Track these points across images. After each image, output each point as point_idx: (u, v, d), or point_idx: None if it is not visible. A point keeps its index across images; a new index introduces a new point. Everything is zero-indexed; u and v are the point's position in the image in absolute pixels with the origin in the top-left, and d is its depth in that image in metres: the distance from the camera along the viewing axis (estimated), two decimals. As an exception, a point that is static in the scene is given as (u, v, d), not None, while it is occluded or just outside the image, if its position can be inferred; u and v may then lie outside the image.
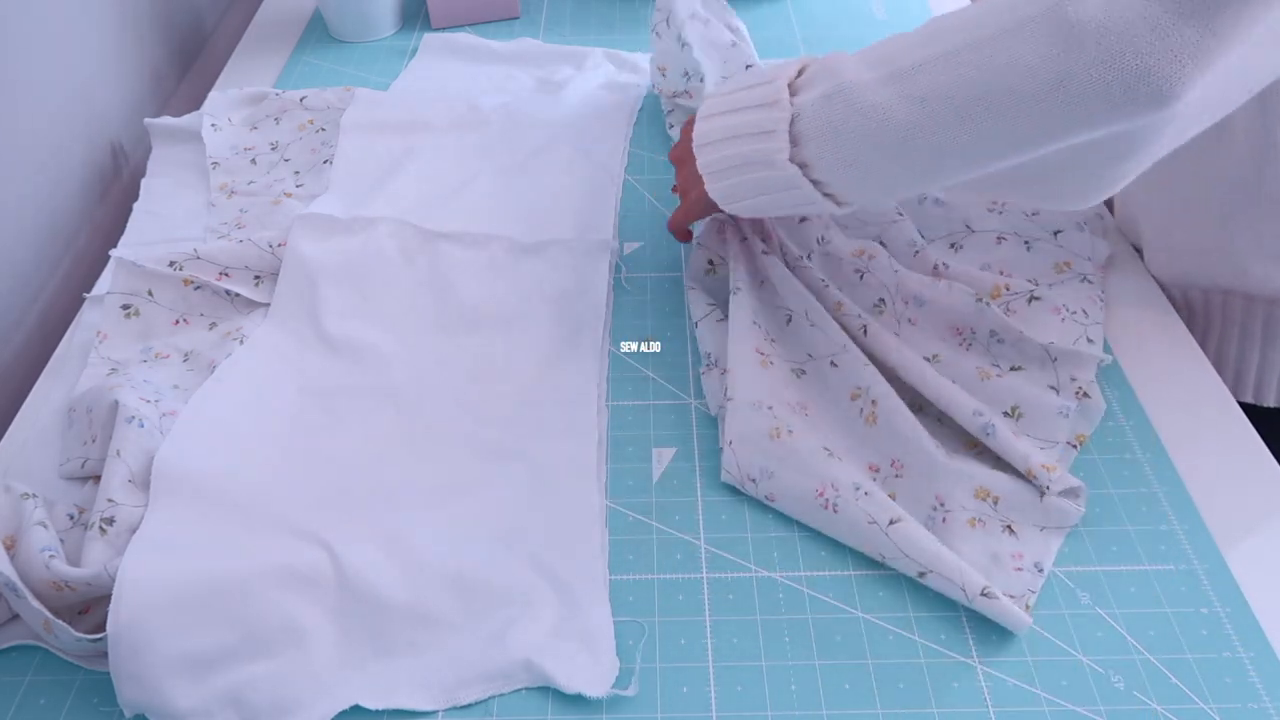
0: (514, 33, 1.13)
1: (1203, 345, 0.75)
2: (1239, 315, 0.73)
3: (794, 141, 0.60)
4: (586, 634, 0.56)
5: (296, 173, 0.90)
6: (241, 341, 0.71)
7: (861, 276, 0.73)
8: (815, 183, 0.61)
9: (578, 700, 0.53)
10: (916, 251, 0.74)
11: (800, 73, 0.62)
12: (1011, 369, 0.67)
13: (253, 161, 0.92)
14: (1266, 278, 0.70)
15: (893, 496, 0.61)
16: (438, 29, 1.14)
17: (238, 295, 0.75)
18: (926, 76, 0.55)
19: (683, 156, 0.71)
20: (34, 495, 0.59)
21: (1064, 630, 0.55)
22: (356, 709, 0.53)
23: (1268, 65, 0.54)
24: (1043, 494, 0.59)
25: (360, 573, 0.56)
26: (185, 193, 0.89)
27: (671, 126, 0.94)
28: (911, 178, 0.59)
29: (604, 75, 1.03)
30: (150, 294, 0.74)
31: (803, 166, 0.61)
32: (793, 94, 0.61)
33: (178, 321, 0.74)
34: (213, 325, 0.74)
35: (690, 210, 0.72)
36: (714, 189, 0.65)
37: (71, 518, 0.61)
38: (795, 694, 0.53)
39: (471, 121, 0.93)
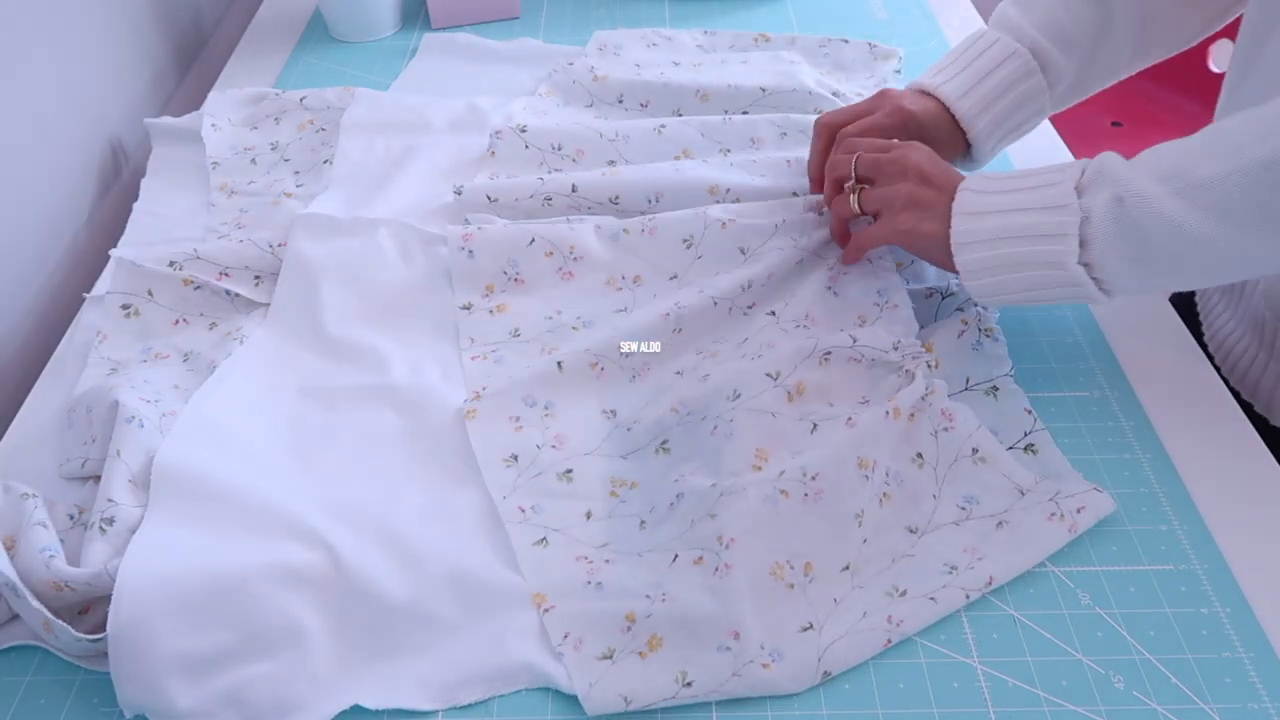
0: (514, 33, 1.13)
1: None
2: None
3: (1081, 243, 0.60)
4: (587, 634, 0.56)
5: (296, 173, 0.90)
6: (241, 341, 0.71)
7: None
8: (1094, 280, 0.61)
9: (578, 700, 0.53)
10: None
11: (1082, 173, 0.61)
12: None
13: (253, 161, 0.92)
14: None
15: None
16: (438, 29, 1.14)
17: (238, 295, 0.75)
18: (1225, 190, 0.55)
19: (882, 203, 0.68)
20: (34, 495, 0.59)
21: (1064, 630, 0.55)
22: (357, 709, 0.53)
23: None
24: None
25: (360, 573, 0.56)
26: (185, 193, 0.89)
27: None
28: (1200, 278, 0.62)
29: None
30: (150, 294, 0.74)
31: (1085, 266, 0.61)
32: (1078, 195, 0.61)
33: (178, 321, 0.74)
34: (213, 325, 0.74)
35: (875, 241, 0.69)
36: (975, 285, 0.64)
37: (71, 518, 0.61)
38: (795, 694, 0.53)
39: (471, 122, 0.93)
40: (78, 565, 0.56)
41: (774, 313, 0.71)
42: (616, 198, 0.81)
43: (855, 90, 0.98)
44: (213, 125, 0.94)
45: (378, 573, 0.57)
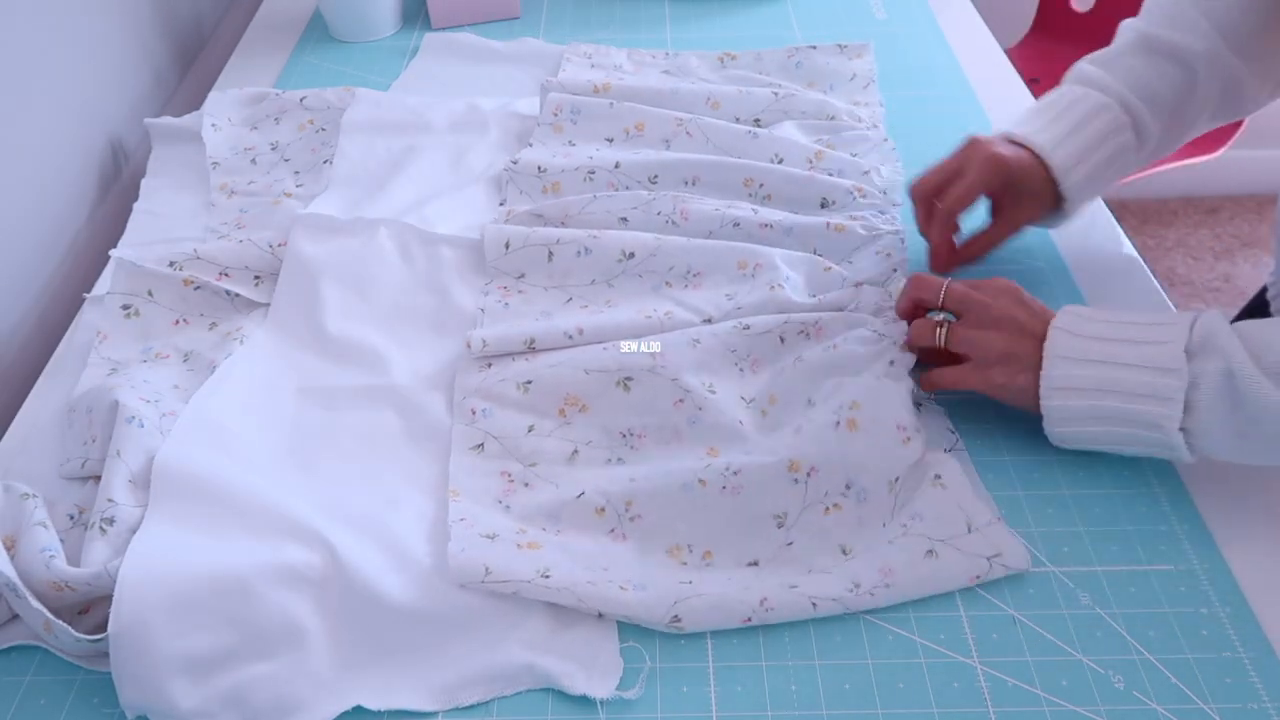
0: (514, 33, 1.13)
1: None
2: None
3: (1185, 409, 0.58)
4: (589, 634, 0.56)
5: (296, 173, 0.90)
6: (242, 341, 0.71)
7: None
8: (1189, 445, 0.59)
9: (578, 700, 0.53)
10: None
11: (1189, 331, 0.59)
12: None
13: (253, 161, 0.92)
14: None
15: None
16: (438, 29, 1.14)
17: (238, 295, 0.75)
18: None
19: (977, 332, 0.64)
20: (34, 495, 0.59)
21: (1064, 630, 0.55)
22: (357, 709, 0.53)
23: None
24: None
25: (360, 573, 0.56)
26: (185, 193, 0.89)
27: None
28: None
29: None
30: (150, 294, 0.74)
31: (1183, 431, 0.58)
32: (1188, 359, 0.58)
33: (178, 321, 0.74)
34: (213, 325, 0.74)
35: (961, 383, 0.65)
36: (1059, 431, 0.62)
37: (71, 518, 0.61)
38: (795, 694, 0.53)
39: (471, 122, 0.93)
40: (78, 565, 0.56)
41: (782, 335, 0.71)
42: (655, 177, 0.83)
43: (850, 101, 0.97)
44: (213, 125, 0.94)
45: (378, 573, 0.57)
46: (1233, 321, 0.59)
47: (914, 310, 0.68)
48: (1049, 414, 0.61)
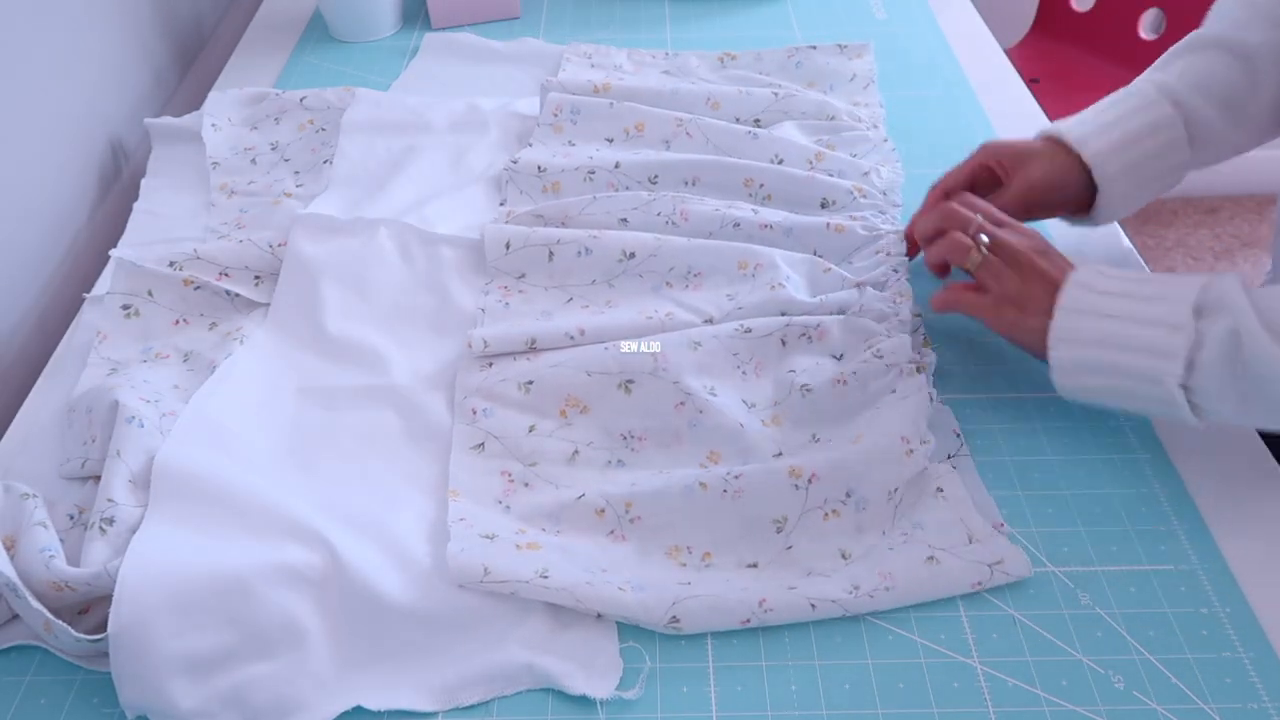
0: (514, 33, 1.13)
1: None
2: None
3: (1187, 367, 0.58)
4: (589, 634, 0.56)
5: (296, 173, 0.90)
6: (242, 342, 0.71)
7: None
8: (1191, 404, 0.59)
9: (578, 700, 0.53)
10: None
11: (1201, 291, 0.59)
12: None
13: (253, 161, 0.92)
14: None
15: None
16: (438, 29, 1.14)
17: (238, 295, 0.75)
18: None
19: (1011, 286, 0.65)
20: (34, 495, 0.59)
21: (1064, 630, 0.55)
22: (357, 709, 0.53)
23: None
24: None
25: (360, 573, 0.56)
26: (185, 193, 0.89)
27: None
28: None
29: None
30: (150, 294, 0.74)
31: (1185, 389, 0.59)
32: (1196, 317, 0.59)
33: (178, 321, 0.74)
34: (213, 325, 0.74)
35: (973, 310, 0.67)
36: (1063, 380, 0.63)
37: (71, 518, 0.61)
38: (795, 694, 0.53)
39: (471, 122, 0.93)
40: (78, 565, 0.56)
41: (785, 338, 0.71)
42: (655, 177, 0.83)
43: (850, 101, 0.97)
44: (213, 125, 0.94)
45: (378, 573, 0.57)
46: None
47: (936, 237, 0.69)
48: (1055, 364, 0.62)
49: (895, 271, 0.73)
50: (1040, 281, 0.64)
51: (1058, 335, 0.62)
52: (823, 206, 0.81)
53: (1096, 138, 0.71)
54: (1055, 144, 0.73)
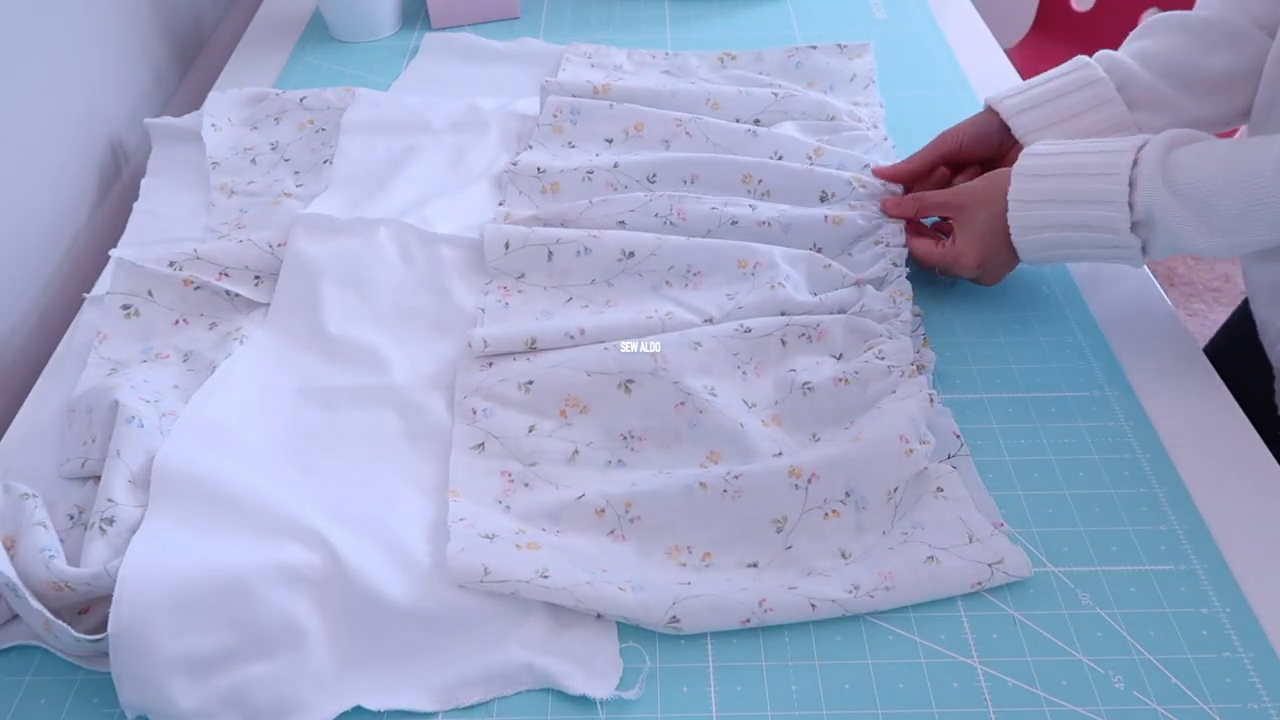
0: (514, 33, 1.13)
1: None
2: None
3: (1130, 184, 0.65)
4: (589, 634, 0.56)
5: (296, 173, 0.90)
6: (241, 341, 0.71)
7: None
8: (1134, 225, 0.66)
9: (578, 700, 0.53)
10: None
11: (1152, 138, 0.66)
12: None
13: (253, 161, 0.92)
14: None
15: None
16: (438, 29, 1.14)
17: (238, 295, 0.75)
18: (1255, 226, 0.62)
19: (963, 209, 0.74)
20: (34, 495, 0.59)
21: (1064, 630, 0.55)
22: (357, 709, 0.53)
23: None
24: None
25: (361, 573, 0.56)
26: (185, 193, 0.89)
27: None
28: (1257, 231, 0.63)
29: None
30: (150, 294, 0.74)
31: (1130, 207, 0.65)
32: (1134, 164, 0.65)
33: (178, 321, 0.74)
34: (213, 325, 0.74)
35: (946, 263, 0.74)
36: (1021, 216, 0.69)
37: (71, 518, 0.61)
38: (795, 694, 0.53)
39: (471, 122, 0.93)
40: (78, 565, 0.56)
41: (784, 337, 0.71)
42: (653, 176, 0.84)
43: (850, 101, 0.97)
44: (213, 125, 0.94)
45: (378, 573, 0.57)
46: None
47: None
48: (1013, 201, 0.69)
49: (895, 266, 0.73)
50: (987, 184, 0.72)
51: (1013, 197, 0.69)
52: (822, 200, 0.81)
53: (1013, 95, 0.79)
54: (986, 110, 0.81)
